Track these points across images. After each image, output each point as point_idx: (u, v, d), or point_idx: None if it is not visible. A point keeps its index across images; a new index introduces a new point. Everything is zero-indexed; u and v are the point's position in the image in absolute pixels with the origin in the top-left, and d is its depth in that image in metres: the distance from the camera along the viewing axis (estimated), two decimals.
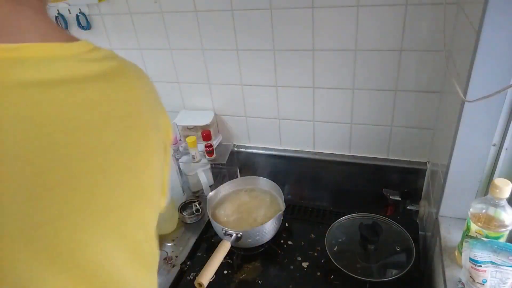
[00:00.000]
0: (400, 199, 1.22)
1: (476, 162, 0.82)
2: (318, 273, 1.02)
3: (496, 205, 0.74)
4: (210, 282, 0.91)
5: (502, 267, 0.69)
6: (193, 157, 1.27)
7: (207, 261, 0.94)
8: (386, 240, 1.01)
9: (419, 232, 1.10)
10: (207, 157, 1.30)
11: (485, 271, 0.70)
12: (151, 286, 0.46)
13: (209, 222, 1.18)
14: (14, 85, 0.31)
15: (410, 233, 1.03)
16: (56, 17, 1.31)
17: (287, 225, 1.17)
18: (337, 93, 1.17)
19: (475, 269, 0.71)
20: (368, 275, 0.95)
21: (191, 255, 1.11)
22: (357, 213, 1.11)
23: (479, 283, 0.71)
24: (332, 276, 1.00)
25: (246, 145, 1.41)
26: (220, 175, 1.40)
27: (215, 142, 1.35)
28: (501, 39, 0.66)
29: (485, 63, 0.69)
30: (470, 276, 0.72)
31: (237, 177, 1.41)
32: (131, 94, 0.42)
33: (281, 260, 1.07)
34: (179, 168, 1.30)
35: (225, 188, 1.21)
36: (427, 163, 1.19)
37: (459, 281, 0.78)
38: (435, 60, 1.02)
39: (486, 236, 0.75)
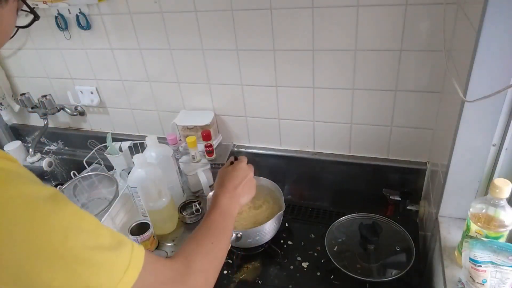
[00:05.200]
0: (400, 199, 1.22)
1: (476, 162, 0.82)
2: (318, 273, 1.02)
3: (496, 205, 0.74)
4: None
5: (502, 267, 0.69)
6: (193, 157, 1.27)
7: None
8: (386, 240, 1.01)
9: (419, 232, 1.10)
10: (207, 157, 1.30)
11: (485, 271, 0.70)
12: None
13: None
14: None
15: (410, 233, 1.03)
16: (56, 17, 1.31)
17: (287, 225, 1.17)
18: (337, 93, 1.17)
19: (475, 269, 0.71)
20: (368, 275, 0.95)
21: None
22: (357, 213, 1.11)
23: (479, 283, 0.71)
24: (332, 276, 1.00)
25: (246, 145, 1.41)
26: None
27: (215, 142, 1.35)
28: (501, 39, 0.66)
29: (485, 63, 0.69)
30: (470, 276, 0.72)
31: None
32: None
33: (281, 260, 1.07)
34: (179, 168, 1.30)
35: None
36: (427, 163, 1.19)
37: (459, 281, 0.78)
38: (435, 60, 1.02)
39: (486, 236, 0.75)
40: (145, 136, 1.24)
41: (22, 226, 0.40)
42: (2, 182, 0.41)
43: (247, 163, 0.91)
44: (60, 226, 0.42)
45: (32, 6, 0.55)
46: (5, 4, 0.48)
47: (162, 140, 1.30)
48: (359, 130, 1.22)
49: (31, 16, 0.58)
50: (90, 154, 1.41)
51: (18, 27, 0.57)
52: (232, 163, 0.91)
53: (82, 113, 1.58)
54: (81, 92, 1.49)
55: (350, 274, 0.94)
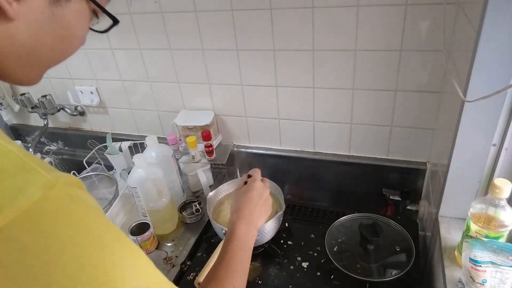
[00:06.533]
0: (400, 199, 1.22)
1: (476, 162, 0.82)
2: (318, 273, 1.02)
3: (496, 205, 0.74)
4: None
5: (502, 267, 0.69)
6: (193, 157, 1.27)
7: (207, 261, 0.94)
8: (386, 240, 1.01)
9: (419, 232, 1.10)
10: (207, 157, 1.30)
11: (485, 271, 0.70)
12: None
13: (209, 222, 1.18)
14: None
15: (410, 233, 1.03)
16: None
17: (287, 225, 1.17)
18: (337, 93, 1.17)
19: (475, 269, 0.71)
20: (368, 275, 0.95)
21: (191, 255, 1.11)
22: (357, 213, 1.11)
23: (479, 283, 0.71)
24: (332, 276, 1.00)
25: (246, 145, 1.41)
26: (220, 175, 1.40)
27: (215, 142, 1.35)
28: (501, 39, 0.66)
29: (485, 63, 0.69)
30: (470, 276, 0.72)
31: (237, 177, 1.41)
32: None
33: (281, 260, 1.07)
34: (179, 168, 1.30)
35: (225, 188, 1.21)
36: (427, 163, 1.19)
37: (459, 281, 0.78)
38: (435, 60, 1.02)
39: (486, 236, 0.75)
40: (145, 136, 1.24)
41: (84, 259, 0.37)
42: (83, 212, 0.39)
43: (262, 174, 0.85)
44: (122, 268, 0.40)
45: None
46: (67, 3, 0.42)
47: (162, 140, 1.30)
48: (359, 130, 1.22)
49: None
50: (90, 154, 1.41)
51: (94, 31, 0.52)
52: (246, 182, 0.85)
53: (82, 113, 1.58)
54: (81, 92, 1.50)
55: (350, 274, 0.94)
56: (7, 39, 0.39)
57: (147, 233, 1.07)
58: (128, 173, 1.16)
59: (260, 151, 1.38)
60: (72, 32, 0.45)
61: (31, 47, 0.41)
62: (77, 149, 1.66)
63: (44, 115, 1.57)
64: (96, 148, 1.43)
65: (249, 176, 0.86)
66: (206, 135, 1.25)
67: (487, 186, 0.84)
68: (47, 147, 1.70)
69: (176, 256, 1.09)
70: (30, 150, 1.58)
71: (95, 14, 0.48)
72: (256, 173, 0.85)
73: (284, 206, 1.10)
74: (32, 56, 0.42)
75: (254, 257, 1.09)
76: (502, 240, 0.75)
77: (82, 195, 0.40)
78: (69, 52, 0.47)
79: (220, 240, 1.02)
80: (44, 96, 1.52)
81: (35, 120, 1.67)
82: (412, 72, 1.06)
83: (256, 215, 0.77)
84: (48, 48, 0.43)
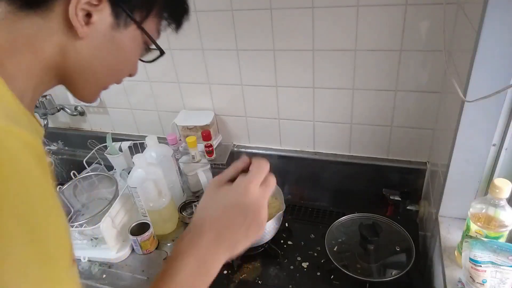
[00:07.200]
0: (400, 199, 1.22)
1: (476, 162, 0.82)
2: (318, 273, 1.02)
3: (496, 205, 0.74)
4: None
5: (502, 267, 0.69)
6: (193, 157, 1.27)
7: None
8: (386, 240, 1.01)
9: (419, 232, 1.10)
10: (207, 157, 1.30)
11: (485, 271, 0.70)
12: None
13: None
14: None
15: (410, 233, 1.03)
16: None
17: (287, 225, 1.17)
18: (337, 93, 1.17)
19: (475, 269, 0.71)
20: (368, 275, 0.95)
21: None
22: (357, 213, 1.11)
23: (479, 283, 0.71)
24: (332, 276, 1.00)
25: (246, 145, 1.41)
26: None
27: (215, 142, 1.35)
28: (501, 39, 0.66)
29: (485, 63, 0.69)
30: (470, 276, 0.72)
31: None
32: None
33: (281, 260, 1.07)
34: (179, 168, 1.30)
35: None
36: (427, 163, 1.19)
37: (459, 281, 0.78)
38: (435, 60, 1.02)
39: (486, 236, 0.75)
40: (145, 136, 1.25)
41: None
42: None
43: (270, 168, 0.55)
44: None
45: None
46: (124, 29, 0.48)
47: (162, 140, 1.30)
48: (359, 130, 1.22)
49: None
50: (90, 154, 1.41)
51: (143, 61, 0.60)
52: (233, 180, 0.53)
53: (82, 113, 1.58)
54: None
55: (350, 274, 0.94)
56: (73, 53, 0.46)
57: (147, 233, 1.07)
58: (128, 173, 1.16)
59: (260, 151, 1.38)
60: (126, 55, 0.53)
61: (91, 63, 0.48)
62: (77, 149, 1.66)
63: (44, 115, 1.57)
64: (96, 148, 1.43)
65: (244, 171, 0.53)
66: (206, 135, 1.25)
67: (487, 186, 0.84)
68: (47, 147, 1.70)
69: None
70: None
71: (145, 45, 0.56)
72: (259, 171, 0.53)
73: (284, 206, 1.10)
74: (91, 71, 0.49)
75: (254, 257, 1.09)
76: (502, 240, 0.75)
77: (28, 158, 0.33)
78: (122, 74, 0.56)
79: None
80: (44, 96, 1.52)
81: None
82: (412, 72, 1.06)
83: (234, 240, 0.50)
84: (105, 66, 0.50)
